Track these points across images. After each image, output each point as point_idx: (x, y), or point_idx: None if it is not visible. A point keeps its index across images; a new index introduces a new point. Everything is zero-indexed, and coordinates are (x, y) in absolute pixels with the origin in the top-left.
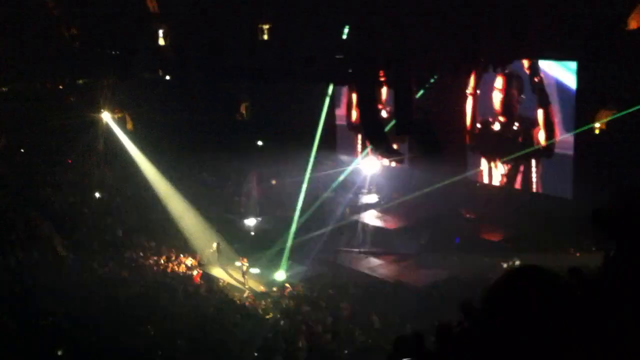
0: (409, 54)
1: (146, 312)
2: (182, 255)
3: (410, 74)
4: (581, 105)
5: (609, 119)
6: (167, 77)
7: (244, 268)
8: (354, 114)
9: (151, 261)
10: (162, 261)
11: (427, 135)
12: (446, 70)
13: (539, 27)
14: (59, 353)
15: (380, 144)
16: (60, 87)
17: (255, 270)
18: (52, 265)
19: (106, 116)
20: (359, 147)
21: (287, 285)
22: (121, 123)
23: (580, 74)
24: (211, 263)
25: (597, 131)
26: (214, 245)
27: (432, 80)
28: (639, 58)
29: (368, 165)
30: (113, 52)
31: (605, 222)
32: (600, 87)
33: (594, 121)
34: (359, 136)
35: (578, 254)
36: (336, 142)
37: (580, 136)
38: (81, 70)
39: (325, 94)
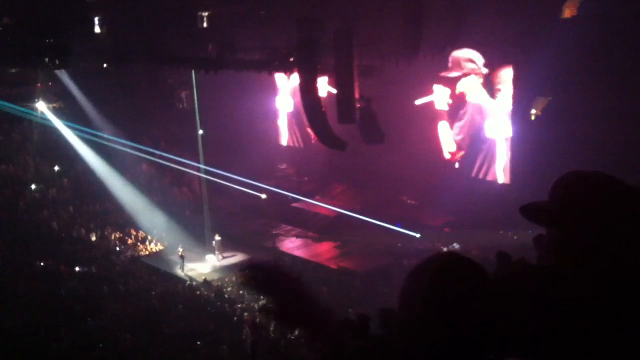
0: (352, 43)
1: (87, 306)
2: (122, 247)
3: (353, 62)
4: (517, 92)
5: (544, 105)
6: (105, 66)
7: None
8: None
9: (91, 254)
10: (103, 253)
11: (370, 124)
12: (388, 60)
13: (477, 18)
14: None
15: (323, 134)
16: None
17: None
18: None
19: (42, 106)
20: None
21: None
22: (58, 113)
23: (517, 62)
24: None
25: (533, 117)
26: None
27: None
28: (574, 46)
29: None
30: (48, 41)
31: (533, 213)
32: (536, 75)
33: (530, 108)
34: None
35: (515, 237)
36: (278, 130)
37: (516, 122)
38: (15, 59)
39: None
